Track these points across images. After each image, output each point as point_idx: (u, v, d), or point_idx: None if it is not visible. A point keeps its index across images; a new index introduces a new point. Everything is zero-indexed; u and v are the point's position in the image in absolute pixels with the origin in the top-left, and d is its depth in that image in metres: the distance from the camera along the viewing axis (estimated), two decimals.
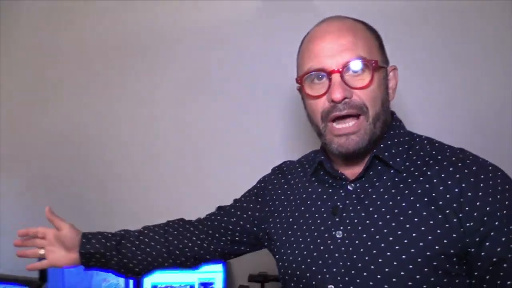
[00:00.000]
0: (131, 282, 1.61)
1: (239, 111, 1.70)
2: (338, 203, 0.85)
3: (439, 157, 0.81)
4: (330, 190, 0.89)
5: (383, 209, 0.80)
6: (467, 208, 0.74)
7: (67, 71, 1.92)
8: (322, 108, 0.82)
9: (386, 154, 0.83)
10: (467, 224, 0.73)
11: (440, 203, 0.75)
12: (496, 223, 0.72)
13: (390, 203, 0.80)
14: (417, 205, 0.77)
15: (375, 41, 0.85)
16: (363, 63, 0.79)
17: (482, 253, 0.73)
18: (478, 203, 0.73)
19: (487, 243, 0.72)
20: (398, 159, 0.83)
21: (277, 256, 0.94)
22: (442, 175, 0.77)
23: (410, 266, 0.74)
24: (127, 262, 1.05)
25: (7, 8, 1.99)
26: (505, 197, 0.74)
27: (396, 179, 0.82)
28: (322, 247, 0.84)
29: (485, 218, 0.73)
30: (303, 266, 0.86)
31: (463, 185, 0.75)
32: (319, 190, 0.91)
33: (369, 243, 0.78)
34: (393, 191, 0.81)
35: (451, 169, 0.78)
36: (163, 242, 1.06)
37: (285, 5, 1.62)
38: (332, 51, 0.80)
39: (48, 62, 1.95)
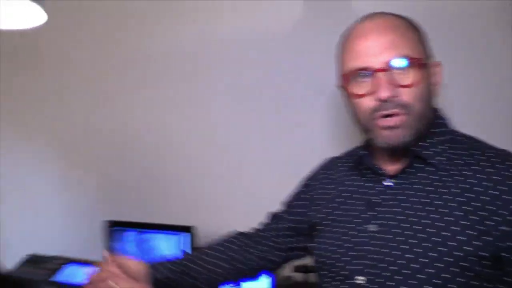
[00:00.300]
0: None
1: (291, 113, 1.79)
2: (374, 197, 0.87)
3: (478, 157, 0.81)
4: (367, 184, 0.91)
5: (417, 206, 0.80)
6: (502, 212, 0.74)
7: (130, 75, 2.08)
8: (368, 106, 0.83)
9: (426, 152, 0.84)
10: (501, 228, 0.73)
11: (476, 204, 0.75)
12: None
13: (425, 200, 0.80)
14: (452, 204, 0.77)
15: (418, 38, 0.85)
16: (408, 61, 0.79)
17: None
18: None
19: None
20: (437, 158, 0.83)
21: (314, 245, 0.97)
22: (480, 176, 0.77)
23: (438, 265, 0.74)
24: (196, 282, 1.07)
25: (73, 9, 2.14)
26: None
27: (433, 177, 0.82)
28: (355, 239, 0.86)
29: None
30: (335, 256, 0.88)
31: (500, 187, 0.75)
32: (357, 183, 0.93)
33: (401, 238, 0.79)
34: (429, 189, 0.81)
35: (489, 170, 0.77)
36: (228, 260, 1.08)
37: (326, 5, 1.72)
38: (375, 49, 0.80)
39: (109, 65, 2.06)
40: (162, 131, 2.04)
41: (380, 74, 0.79)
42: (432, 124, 0.87)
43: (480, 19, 1.60)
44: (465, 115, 1.36)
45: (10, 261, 2.10)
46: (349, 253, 0.86)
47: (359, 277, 0.83)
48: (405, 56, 0.80)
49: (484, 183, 0.77)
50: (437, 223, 0.77)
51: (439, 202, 0.79)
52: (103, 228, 1.91)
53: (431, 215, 0.79)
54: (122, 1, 2.06)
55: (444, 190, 0.80)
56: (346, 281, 0.85)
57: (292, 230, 1.07)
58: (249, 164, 1.87)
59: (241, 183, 1.88)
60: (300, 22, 1.77)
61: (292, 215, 1.09)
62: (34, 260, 1.93)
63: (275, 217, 1.14)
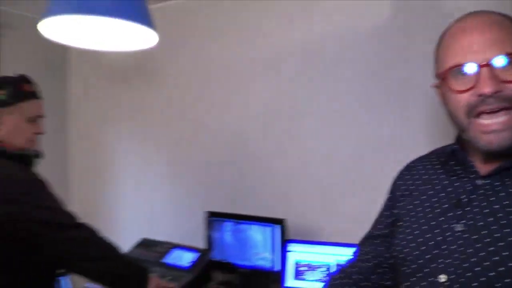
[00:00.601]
0: (278, 257, 1.89)
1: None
2: (463, 196, 0.84)
3: None
4: (457, 183, 0.87)
5: (509, 209, 0.77)
6: None
7: (232, 80, 2.27)
8: (467, 102, 0.79)
9: None
10: None
11: None
12: None
13: (507, 203, 0.77)
14: None
15: None
16: None
17: None
18: None
19: None
20: None
21: (395, 240, 0.94)
22: None
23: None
24: None
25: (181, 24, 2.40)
26: None
27: None
28: (439, 237, 0.83)
29: None
30: (417, 252, 0.86)
31: None
32: (445, 181, 0.90)
33: (487, 240, 0.77)
34: None
35: None
36: None
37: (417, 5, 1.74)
38: (479, 45, 0.78)
39: (213, 73, 2.32)
40: (259, 132, 2.18)
41: (483, 70, 0.77)
42: None
43: None
44: None
45: (125, 243, 2.39)
46: (433, 252, 0.83)
47: (442, 276, 0.80)
48: (510, 53, 0.77)
49: None
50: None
51: None
52: (204, 218, 2.10)
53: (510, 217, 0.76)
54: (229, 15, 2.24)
55: None
56: (428, 278, 0.83)
57: (388, 251, 1.00)
58: (338, 161, 1.94)
59: (330, 179, 1.96)
60: (393, 21, 1.79)
61: (383, 237, 1.03)
62: (145, 244, 2.18)
63: (369, 242, 1.07)
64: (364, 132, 1.86)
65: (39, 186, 1.42)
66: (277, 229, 1.87)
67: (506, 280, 0.73)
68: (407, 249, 0.88)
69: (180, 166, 2.46)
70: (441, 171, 0.93)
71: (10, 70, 2.45)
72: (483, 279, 0.75)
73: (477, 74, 0.78)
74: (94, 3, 1.09)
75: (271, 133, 2.13)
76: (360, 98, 1.87)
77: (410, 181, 0.99)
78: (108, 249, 1.48)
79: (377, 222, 1.07)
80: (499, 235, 0.76)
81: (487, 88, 0.76)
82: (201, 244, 2.10)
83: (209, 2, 2.32)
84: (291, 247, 1.84)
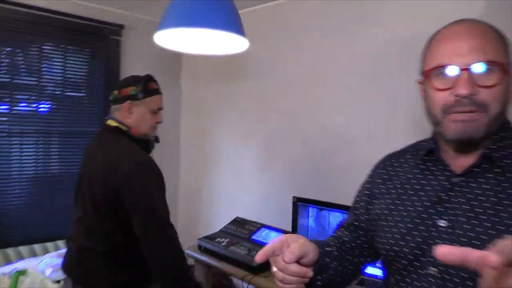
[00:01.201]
0: None
1: None
2: (442, 194, 0.89)
3: None
4: (434, 182, 0.92)
5: (486, 204, 0.83)
6: None
7: (311, 76, 2.44)
8: (445, 101, 0.86)
9: (496, 155, 0.86)
10: None
11: None
12: None
13: (494, 199, 0.83)
14: None
15: (503, 45, 0.87)
16: (492, 65, 0.82)
17: None
18: None
19: None
20: (505, 161, 0.86)
21: (379, 234, 0.99)
22: None
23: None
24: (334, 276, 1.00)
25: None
26: None
27: (501, 178, 0.85)
28: (426, 233, 0.89)
29: None
30: (405, 249, 0.91)
31: None
32: (423, 180, 0.95)
33: (472, 234, 0.82)
34: (496, 189, 0.84)
35: None
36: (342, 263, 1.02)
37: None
38: (463, 50, 0.84)
39: (299, 72, 2.50)
40: (341, 126, 2.31)
41: (463, 73, 0.83)
42: (502, 128, 0.89)
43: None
44: None
45: (221, 220, 2.69)
46: (422, 247, 0.89)
47: (432, 268, 0.87)
48: (489, 60, 0.83)
49: None
50: (506, 221, 0.80)
51: (507, 202, 0.82)
52: (291, 202, 2.29)
53: (500, 214, 0.82)
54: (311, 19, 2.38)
55: (510, 191, 0.83)
56: (418, 270, 0.89)
57: (363, 229, 1.06)
58: None
59: None
60: None
61: (363, 223, 1.07)
62: (238, 221, 2.45)
63: (347, 229, 1.11)
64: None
65: (153, 171, 1.66)
66: None
67: None
68: (396, 247, 0.93)
69: (273, 155, 2.68)
70: (417, 170, 0.98)
71: (131, 67, 2.88)
72: (472, 269, 0.78)
73: (457, 76, 0.84)
74: (198, 18, 1.33)
75: (353, 129, 2.25)
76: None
77: (388, 180, 1.03)
78: (179, 255, 1.63)
79: (355, 214, 1.10)
80: (481, 229, 0.82)
81: (463, 90, 0.82)
82: (287, 226, 2.30)
83: (301, 3, 2.48)
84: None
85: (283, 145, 2.61)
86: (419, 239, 0.90)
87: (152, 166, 1.67)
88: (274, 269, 0.86)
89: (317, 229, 2.16)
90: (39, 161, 2.74)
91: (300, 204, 2.25)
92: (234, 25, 1.38)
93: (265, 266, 1.99)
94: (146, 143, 1.80)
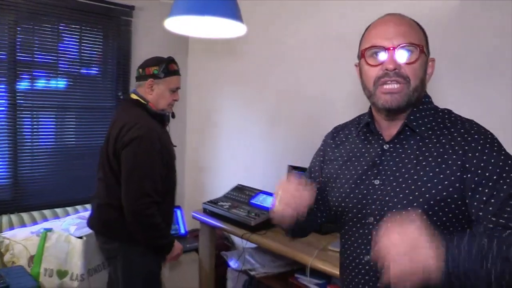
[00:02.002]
0: None
1: None
2: (376, 158, 1.09)
3: (452, 129, 1.04)
4: (371, 149, 1.12)
5: (409, 165, 1.03)
6: (467, 165, 0.97)
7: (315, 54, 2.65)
8: (376, 74, 1.04)
9: (414, 124, 1.06)
10: (465, 176, 0.96)
11: (449, 162, 0.99)
12: (487, 173, 0.95)
13: (414, 161, 1.03)
14: (433, 163, 1.01)
15: (423, 36, 1.07)
16: (413, 46, 1.02)
17: (473, 185, 0.96)
18: (475, 161, 0.97)
19: (479, 188, 0.95)
20: (423, 128, 1.06)
21: (331, 193, 1.19)
22: (452, 143, 1.01)
23: (425, 206, 0.98)
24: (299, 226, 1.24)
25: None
26: (494, 156, 0.96)
27: (420, 143, 1.05)
28: (365, 191, 1.09)
29: (479, 171, 0.96)
30: (350, 205, 1.12)
31: (466, 148, 0.98)
32: (363, 148, 1.15)
33: (398, 189, 1.03)
34: (417, 152, 1.04)
35: (459, 138, 1.01)
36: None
37: None
38: (392, 34, 1.03)
39: (302, 45, 2.70)
40: (330, 97, 2.53)
41: (391, 52, 1.02)
42: (420, 102, 1.08)
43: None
44: None
45: (224, 187, 2.95)
46: (362, 202, 1.09)
47: (370, 218, 1.07)
48: (410, 42, 1.02)
49: (455, 147, 1.00)
50: (423, 178, 1.01)
51: (424, 163, 1.03)
52: (287, 170, 2.54)
53: (419, 172, 1.02)
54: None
55: (427, 154, 1.03)
56: (362, 221, 1.10)
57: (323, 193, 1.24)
58: None
59: None
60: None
61: (318, 178, 1.26)
62: (239, 188, 2.70)
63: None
64: None
65: (152, 146, 1.86)
66: None
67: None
68: (343, 203, 1.13)
69: (270, 127, 2.92)
70: (358, 140, 1.18)
71: (141, 47, 3.08)
72: (398, 217, 0.94)
73: (385, 54, 1.03)
74: (204, 7, 1.56)
75: (346, 100, 2.47)
76: None
77: (336, 148, 1.23)
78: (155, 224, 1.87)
79: (311, 176, 1.29)
80: (404, 185, 1.03)
81: (390, 65, 1.01)
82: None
83: None
84: None
85: (281, 118, 2.85)
86: (360, 196, 1.10)
87: (153, 142, 1.86)
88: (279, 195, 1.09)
89: None
90: (58, 134, 3.00)
91: (295, 172, 2.50)
92: (235, 12, 1.61)
93: (261, 226, 2.27)
94: (162, 117, 2.02)
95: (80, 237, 2.36)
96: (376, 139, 1.13)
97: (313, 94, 2.64)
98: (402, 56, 1.02)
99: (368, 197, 1.08)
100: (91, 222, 2.07)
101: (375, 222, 1.06)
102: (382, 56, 1.03)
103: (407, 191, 1.02)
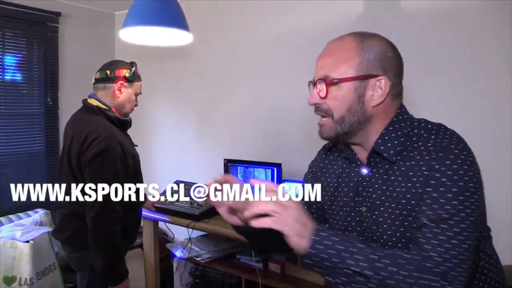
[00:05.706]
0: None
1: None
2: (358, 185, 1.07)
3: (422, 148, 0.97)
4: (352, 173, 1.10)
5: (387, 192, 1.00)
6: (428, 181, 0.93)
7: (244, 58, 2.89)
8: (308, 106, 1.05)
9: (382, 148, 1.01)
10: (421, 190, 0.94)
11: (417, 185, 0.95)
12: (432, 181, 0.92)
13: (384, 187, 1.01)
14: (403, 185, 0.98)
15: (357, 59, 0.98)
16: (321, 81, 0.99)
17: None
18: (436, 174, 0.92)
19: (425, 195, 0.93)
20: (391, 152, 1.00)
21: (330, 221, 1.17)
22: (421, 163, 0.96)
23: (401, 229, 0.98)
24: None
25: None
26: (453, 168, 0.91)
27: (387, 167, 1.02)
28: (357, 218, 1.07)
29: (432, 181, 0.93)
30: (346, 232, 1.09)
31: (434, 167, 0.93)
32: (346, 170, 1.13)
33: (385, 215, 1.00)
34: (385, 177, 1.01)
35: (427, 158, 0.95)
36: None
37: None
38: (317, 67, 1.03)
39: (235, 54, 2.99)
40: (272, 97, 2.82)
41: (313, 87, 1.04)
42: (391, 122, 1.02)
43: (481, 19, 1.86)
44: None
45: (163, 183, 3.09)
46: (357, 229, 1.08)
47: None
48: (320, 78, 1.00)
49: (423, 168, 0.95)
50: (395, 201, 0.99)
51: (394, 187, 1.00)
52: (223, 163, 2.78)
53: (391, 196, 0.99)
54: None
55: (397, 177, 1.00)
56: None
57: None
58: None
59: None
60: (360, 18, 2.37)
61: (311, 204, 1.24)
62: (178, 183, 2.87)
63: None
64: None
65: (114, 160, 1.79)
66: (277, 170, 2.54)
67: (394, 238, 1.00)
68: (347, 231, 1.10)
69: (204, 125, 3.14)
70: (341, 163, 1.15)
71: (69, 53, 3.11)
72: (382, 241, 1.02)
73: (311, 89, 1.05)
74: (154, 18, 1.74)
75: (281, 93, 2.78)
76: None
77: (324, 168, 1.21)
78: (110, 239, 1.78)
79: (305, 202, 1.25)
80: (390, 210, 1.00)
81: (310, 100, 1.04)
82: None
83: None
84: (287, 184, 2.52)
85: (214, 117, 3.09)
86: (353, 223, 1.09)
87: (115, 154, 1.79)
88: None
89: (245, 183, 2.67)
90: None
91: (230, 164, 2.75)
92: (183, 23, 1.82)
93: (205, 215, 2.47)
94: (124, 123, 1.97)
95: (27, 241, 2.39)
96: (355, 162, 1.10)
97: (242, 91, 2.91)
98: (320, 90, 1.01)
99: (360, 225, 1.07)
100: (55, 232, 2.00)
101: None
102: (311, 90, 1.06)
103: (392, 216, 1.00)
